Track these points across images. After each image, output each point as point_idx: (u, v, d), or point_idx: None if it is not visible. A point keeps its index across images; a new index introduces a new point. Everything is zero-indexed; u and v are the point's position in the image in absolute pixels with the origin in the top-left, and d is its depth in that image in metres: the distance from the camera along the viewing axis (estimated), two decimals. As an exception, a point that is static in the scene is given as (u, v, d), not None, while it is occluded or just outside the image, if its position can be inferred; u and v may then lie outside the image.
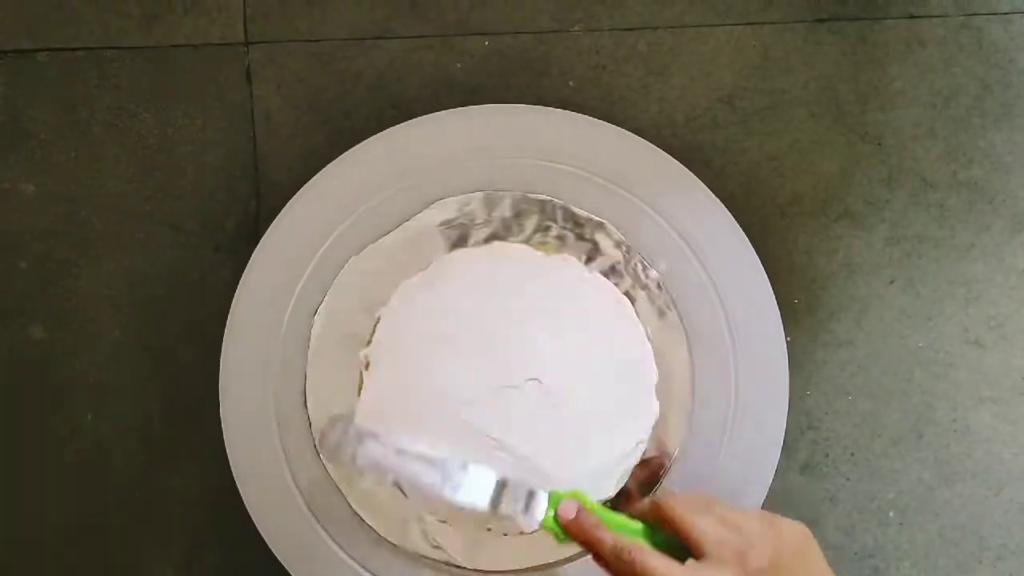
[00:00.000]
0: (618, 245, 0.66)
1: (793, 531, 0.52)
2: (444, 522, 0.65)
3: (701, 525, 0.51)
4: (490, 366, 0.64)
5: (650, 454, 0.65)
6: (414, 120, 0.67)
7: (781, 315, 0.66)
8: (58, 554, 0.68)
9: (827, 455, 0.70)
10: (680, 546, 0.51)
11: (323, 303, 0.66)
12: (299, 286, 0.66)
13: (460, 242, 0.66)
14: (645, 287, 0.66)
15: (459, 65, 0.70)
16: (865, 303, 0.70)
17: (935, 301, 0.70)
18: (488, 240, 0.66)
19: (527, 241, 0.66)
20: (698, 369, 0.66)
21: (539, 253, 0.66)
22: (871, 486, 0.70)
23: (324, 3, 0.70)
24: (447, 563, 0.65)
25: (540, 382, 0.64)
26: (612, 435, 0.64)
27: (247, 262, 0.66)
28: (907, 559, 0.70)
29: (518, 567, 0.65)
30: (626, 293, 0.66)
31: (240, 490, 0.65)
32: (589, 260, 0.66)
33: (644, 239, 0.67)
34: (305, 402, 0.65)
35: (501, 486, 0.57)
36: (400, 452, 0.57)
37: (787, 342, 0.67)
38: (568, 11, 0.71)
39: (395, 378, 0.65)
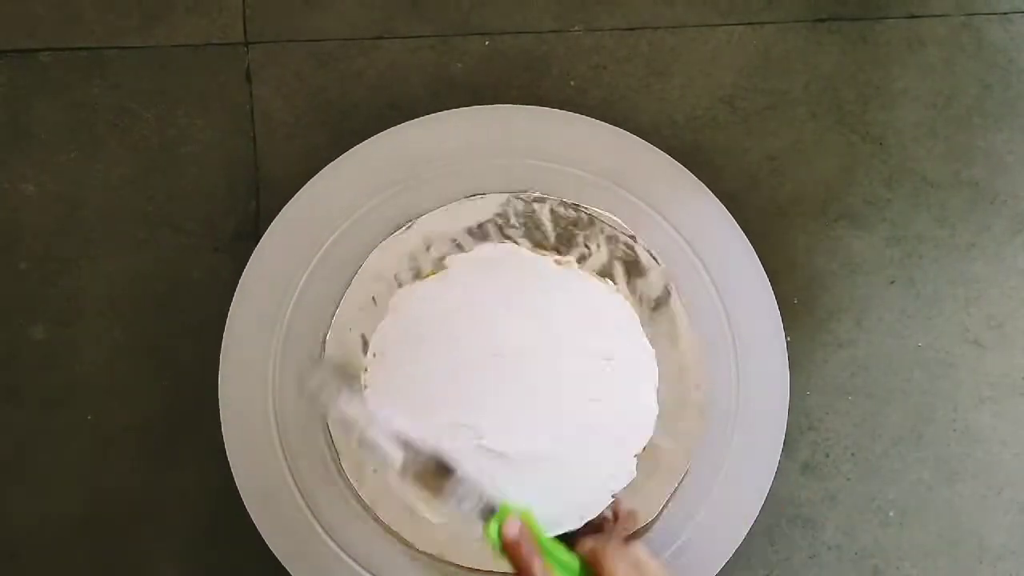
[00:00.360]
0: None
1: None
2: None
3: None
4: (491, 370, 0.64)
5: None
6: (414, 120, 0.67)
7: (781, 315, 0.66)
8: (58, 553, 0.68)
9: (827, 455, 0.70)
10: None
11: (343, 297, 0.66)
12: (299, 286, 0.66)
13: (479, 240, 0.66)
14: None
15: (459, 65, 0.70)
16: (865, 303, 0.70)
17: (935, 301, 0.70)
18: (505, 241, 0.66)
19: (554, 250, 0.66)
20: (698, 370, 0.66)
21: (557, 264, 0.66)
22: (871, 486, 0.70)
23: (324, 3, 0.70)
24: (449, 562, 0.65)
25: (538, 387, 0.64)
26: (603, 454, 0.65)
27: (247, 262, 0.66)
28: (907, 559, 0.70)
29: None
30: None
31: (240, 490, 0.65)
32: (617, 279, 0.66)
33: (644, 239, 0.67)
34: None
35: (457, 480, 0.58)
36: (376, 422, 0.59)
37: (787, 342, 0.67)
38: (569, 11, 0.71)
39: (395, 369, 0.65)
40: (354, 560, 0.65)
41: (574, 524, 0.63)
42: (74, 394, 0.68)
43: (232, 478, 0.65)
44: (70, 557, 0.68)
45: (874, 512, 0.70)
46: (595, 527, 0.62)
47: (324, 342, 0.66)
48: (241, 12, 0.70)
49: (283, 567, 0.65)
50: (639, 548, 0.56)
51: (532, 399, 0.64)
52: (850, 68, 0.71)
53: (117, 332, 0.69)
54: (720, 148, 0.70)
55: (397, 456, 0.58)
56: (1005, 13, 0.71)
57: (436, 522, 0.65)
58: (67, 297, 0.69)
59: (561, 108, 0.68)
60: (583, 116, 0.67)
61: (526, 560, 0.54)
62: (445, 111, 0.67)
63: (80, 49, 0.69)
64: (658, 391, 0.66)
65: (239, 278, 0.66)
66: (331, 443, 0.65)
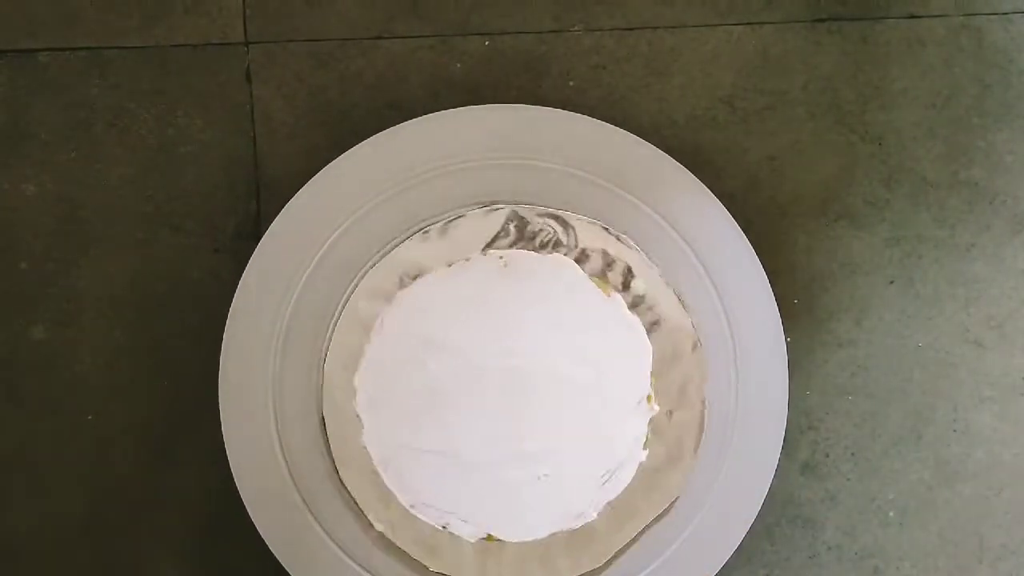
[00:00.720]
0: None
1: None
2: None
3: None
4: (483, 376, 0.65)
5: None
6: (414, 120, 0.67)
7: (781, 315, 0.66)
8: (58, 554, 0.68)
9: (827, 455, 0.70)
10: None
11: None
12: (299, 286, 0.66)
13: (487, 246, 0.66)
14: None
15: (459, 65, 0.70)
16: (865, 303, 0.70)
17: (935, 301, 0.70)
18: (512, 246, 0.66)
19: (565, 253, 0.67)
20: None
21: (557, 267, 0.66)
22: (871, 486, 0.70)
23: (324, 3, 0.70)
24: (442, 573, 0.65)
25: (530, 395, 0.64)
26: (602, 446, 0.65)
27: (247, 262, 0.66)
28: (907, 559, 0.70)
29: None
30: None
31: (240, 490, 0.65)
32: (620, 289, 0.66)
33: (644, 239, 0.67)
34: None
35: None
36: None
37: (787, 342, 0.67)
38: (568, 11, 0.71)
39: (386, 377, 0.65)
40: (354, 560, 0.65)
41: (571, 526, 0.64)
42: (74, 394, 0.68)
43: (232, 478, 0.65)
44: (70, 557, 0.68)
45: (874, 512, 0.70)
46: None
47: (325, 342, 0.66)
48: (241, 12, 0.70)
49: (283, 567, 0.65)
50: None
51: (524, 407, 0.65)
52: (850, 68, 0.71)
53: (117, 332, 0.69)
54: (720, 148, 0.70)
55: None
56: (1005, 13, 0.71)
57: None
58: (67, 297, 0.69)
59: (561, 108, 0.68)
60: (583, 116, 0.67)
61: None
62: (444, 111, 0.67)
63: (80, 49, 0.69)
64: (658, 391, 0.66)
65: (239, 278, 0.66)
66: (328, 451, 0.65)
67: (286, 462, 0.65)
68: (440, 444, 0.65)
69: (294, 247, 0.66)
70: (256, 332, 0.65)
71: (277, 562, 0.65)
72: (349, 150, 0.66)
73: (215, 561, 0.68)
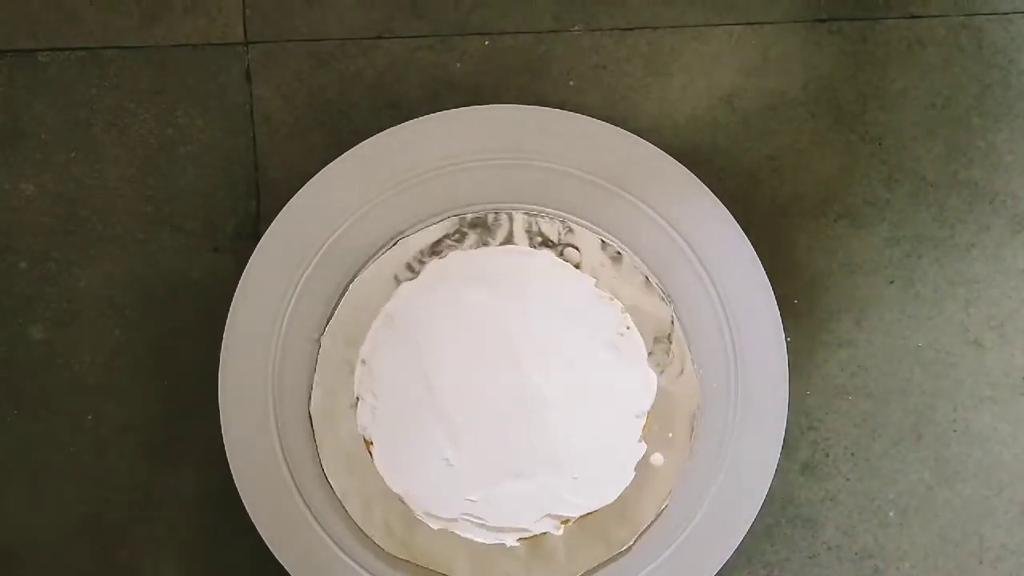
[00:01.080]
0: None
1: None
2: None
3: None
4: (481, 376, 0.65)
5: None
6: (414, 120, 0.67)
7: (781, 315, 0.66)
8: (58, 554, 0.68)
9: (827, 455, 0.70)
10: None
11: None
12: (299, 286, 0.66)
13: (478, 243, 0.66)
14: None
15: (459, 65, 0.70)
16: (865, 303, 0.70)
17: (935, 301, 0.70)
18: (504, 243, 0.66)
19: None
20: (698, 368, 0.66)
21: (554, 265, 0.66)
22: (871, 486, 0.70)
23: (324, 3, 0.70)
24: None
25: (529, 393, 0.64)
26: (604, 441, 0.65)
27: (247, 262, 0.66)
28: (907, 559, 0.70)
29: None
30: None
31: (239, 490, 0.65)
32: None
33: (644, 239, 0.67)
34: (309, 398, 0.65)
35: None
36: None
37: (787, 342, 0.67)
38: (568, 11, 0.71)
39: (385, 376, 0.65)
40: (354, 561, 0.65)
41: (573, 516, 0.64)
42: (74, 394, 0.68)
43: (232, 479, 0.65)
44: (70, 557, 0.68)
45: (874, 512, 0.70)
46: None
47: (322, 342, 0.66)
48: (241, 12, 0.70)
49: (283, 567, 0.65)
50: None
51: (524, 405, 0.65)
52: (850, 68, 0.71)
53: (117, 332, 0.69)
54: (720, 148, 0.70)
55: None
56: (1005, 13, 0.71)
57: (435, 528, 0.65)
58: (67, 297, 0.69)
59: (561, 108, 0.68)
60: (583, 116, 0.67)
61: None
62: (444, 111, 0.67)
63: (79, 49, 0.69)
64: (657, 392, 0.66)
65: (239, 278, 0.66)
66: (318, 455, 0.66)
67: (286, 462, 0.65)
68: (440, 449, 0.65)
69: (294, 247, 0.66)
70: (256, 332, 0.65)
71: (277, 562, 0.65)
72: (349, 150, 0.66)
73: (215, 561, 0.68)
